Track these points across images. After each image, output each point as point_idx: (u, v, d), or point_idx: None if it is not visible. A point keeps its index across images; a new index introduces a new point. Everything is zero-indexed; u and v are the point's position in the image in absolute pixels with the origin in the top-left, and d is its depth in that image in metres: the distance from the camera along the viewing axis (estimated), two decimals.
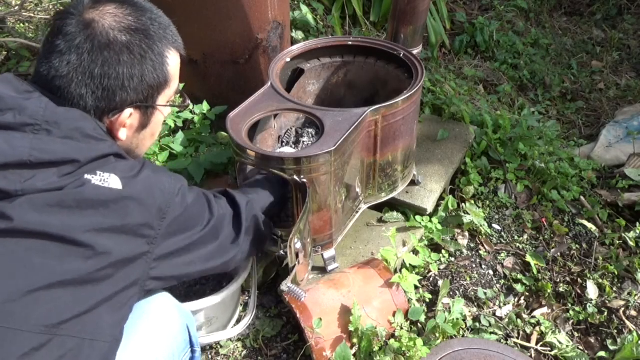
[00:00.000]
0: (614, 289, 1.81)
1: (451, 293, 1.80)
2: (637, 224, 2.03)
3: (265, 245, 1.53)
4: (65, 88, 1.00)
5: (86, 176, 0.95)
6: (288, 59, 1.80)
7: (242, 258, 1.34)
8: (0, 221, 0.87)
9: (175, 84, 1.16)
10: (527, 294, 1.83)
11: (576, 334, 1.72)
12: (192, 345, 1.23)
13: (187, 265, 1.14)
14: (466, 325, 1.69)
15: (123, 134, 1.09)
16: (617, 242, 1.98)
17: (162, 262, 1.06)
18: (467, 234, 2.01)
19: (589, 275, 1.84)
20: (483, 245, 1.98)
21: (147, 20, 1.07)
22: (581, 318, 1.74)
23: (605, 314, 1.73)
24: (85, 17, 1.01)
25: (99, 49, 1.00)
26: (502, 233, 2.05)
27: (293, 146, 1.79)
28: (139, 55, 1.04)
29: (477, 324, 1.69)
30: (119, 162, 1.02)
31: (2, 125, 0.92)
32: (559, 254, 1.95)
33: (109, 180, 0.97)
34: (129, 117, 1.08)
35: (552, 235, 2.02)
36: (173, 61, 1.12)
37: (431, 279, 1.84)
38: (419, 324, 1.64)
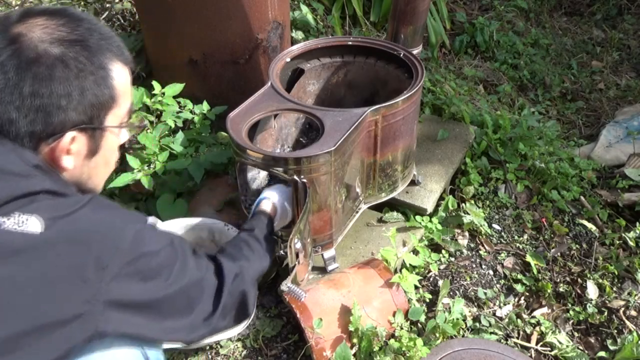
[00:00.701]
0: (614, 289, 1.81)
1: (451, 293, 1.80)
2: (637, 224, 2.03)
3: (245, 321, 1.28)
4: None
5: None
6: (288, 59, 1.80)
7: (209, 336, 1.15)
8: None
9: (126, 101, 1.02)
10: (527, 294, 1.82)
11: (576, 334, 1.72)
12: None
13: (145, 328, 0.95)
14: (466, 325, 1.69)
15: (69, 162, 0.94)
16: (617, 242, 1.98)
17: (111, 318, 0.87)
18: (467, 234, 2.01)
19: (589, 275, 1.84)
20: (483, 245, 1.98)
21: (84, 30, 0.93)
22: (581, 318, 1.74)
23: (605, 314, 1.73)
24: (12, 31, 0.89)
25: (27, 65, 0.87)
26: (502, 233, 2.05)
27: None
28: (76, 69, 0.90)
29: (477, 324, 1.69)
30: (50, 200, 0.86)
31: None
32: (559, 254, 1.95)
33: (27, 223, 0.80)
34: (72, 141, 0.93)
35: (552, 235, 2.02)
36: (120, 75, 0.98)
37: (431, 279, 1.84)
38: (419, 324, 1.64)
